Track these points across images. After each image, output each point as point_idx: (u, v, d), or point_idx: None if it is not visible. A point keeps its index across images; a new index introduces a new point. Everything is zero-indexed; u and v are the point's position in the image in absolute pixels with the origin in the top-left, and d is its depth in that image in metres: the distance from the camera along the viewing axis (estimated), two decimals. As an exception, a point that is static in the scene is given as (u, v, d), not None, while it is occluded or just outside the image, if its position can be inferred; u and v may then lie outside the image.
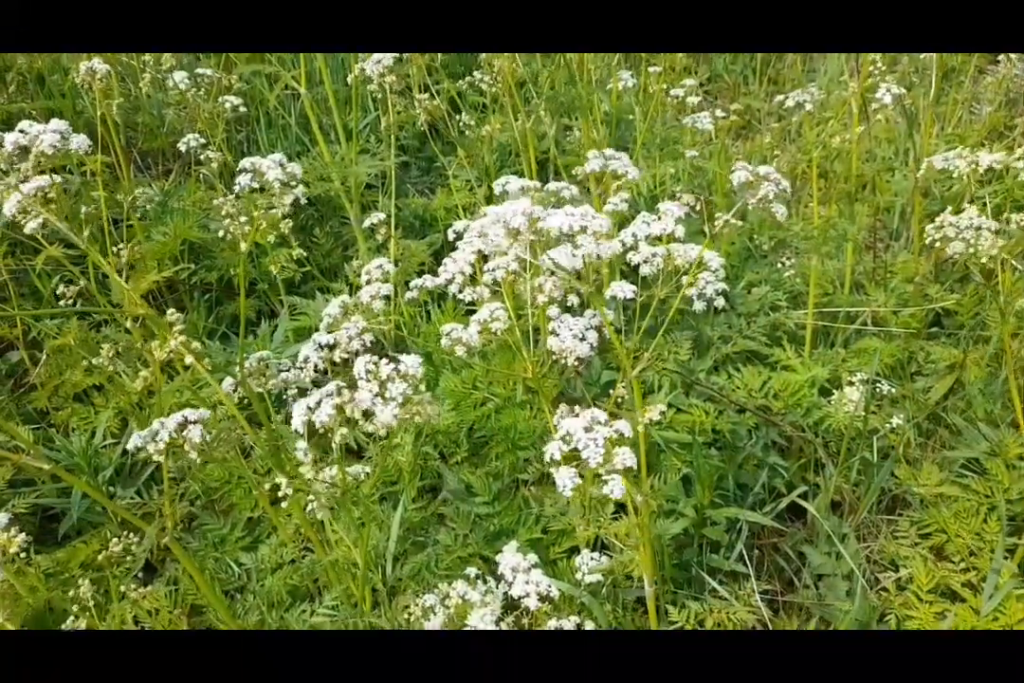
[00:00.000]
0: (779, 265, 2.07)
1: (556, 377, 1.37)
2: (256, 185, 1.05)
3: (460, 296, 1.20)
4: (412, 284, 1.23)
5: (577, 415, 0.89)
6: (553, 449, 0.87)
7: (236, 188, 1.05)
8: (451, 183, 2.14)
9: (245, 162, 1.06)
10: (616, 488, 0.85)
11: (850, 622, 1.41)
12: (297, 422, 0.86)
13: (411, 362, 0.92)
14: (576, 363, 0.98)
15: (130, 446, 0.96)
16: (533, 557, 0.94)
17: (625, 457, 0.86)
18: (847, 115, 2.07)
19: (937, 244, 1.37)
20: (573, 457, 0.86)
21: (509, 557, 0.95)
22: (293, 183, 1.07)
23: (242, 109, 1.98)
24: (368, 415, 0.85)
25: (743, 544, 1.59)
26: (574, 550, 1.46)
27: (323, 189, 1.97)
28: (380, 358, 0.91)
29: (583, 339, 1.00)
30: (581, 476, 0.85)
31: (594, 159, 1.34)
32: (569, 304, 1.07)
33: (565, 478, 0.85)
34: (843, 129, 1.78)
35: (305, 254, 1.83)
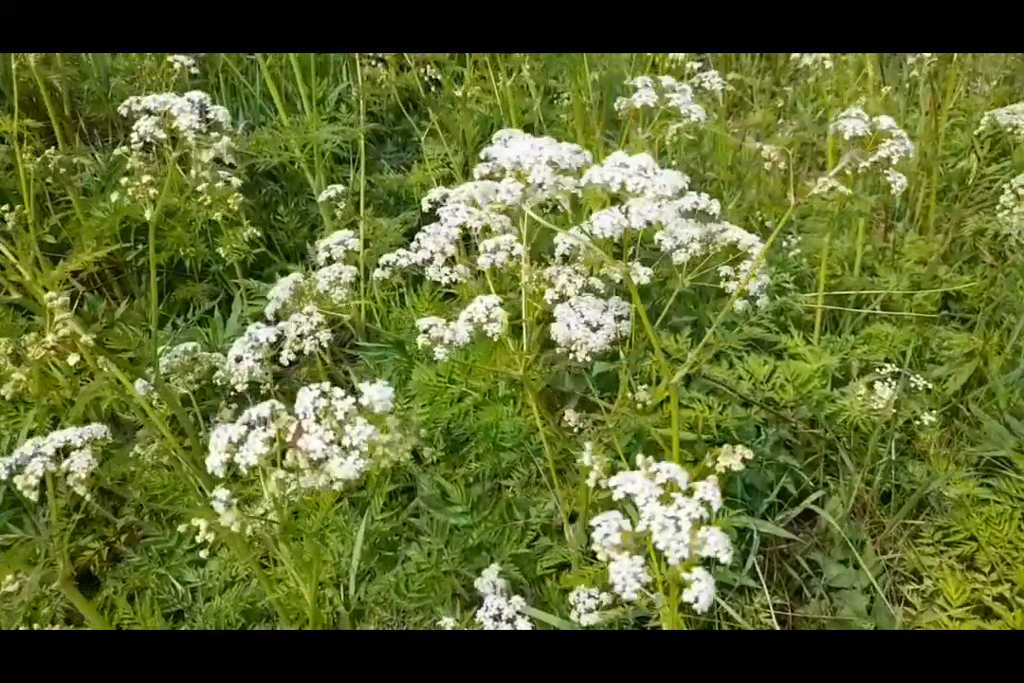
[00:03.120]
0: (784, 243, 1.91)
1: (545, 369, 1.19)
2: (162, 135, 0.85)
3: (437, 278, 1.03)
4: (383, 260, 1.04)
5: (639, 468, 0.61)
6: (610, 527, 0.60)
7: (134, 137, 0.86)
8: (424, 152, 1.95)
9: (148, 100, 0.86)
10: (703, 595, 0.59)
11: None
12: (214, 461, 0.65)
13: (378, 394, 0.68)
14: (588, 359, 0.80)
15: (-8, 480, 0.77)
16: (519, 601, 0.77)
17: (717, 545, 0.59)
18: (857, 82, 1.90)
19: (1002, 231, 1.20)
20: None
21: (491, 599, 0.78)
22: (216, 134, 0.88)
23: (194, 70, 1.77)
24: (317, 464, 0.65)
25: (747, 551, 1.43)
26: (564, 566, 1.30)
27: (285, 159, 1.78)
28: (332, 383, 0.69)
29: (596, 329, 0.81)
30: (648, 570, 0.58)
31: (644, 88, 1.10)
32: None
33: (626, 575, 0.58)
34: (862, 93, 1.61)
35: (259, 233, 1.64)
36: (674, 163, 2.03)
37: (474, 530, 1.28)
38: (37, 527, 1.39)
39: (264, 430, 0.65)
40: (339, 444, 0.65)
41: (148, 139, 0.86)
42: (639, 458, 0.63)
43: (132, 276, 1.87)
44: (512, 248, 0.95)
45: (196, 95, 0.90)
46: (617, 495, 0.62)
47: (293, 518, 0.73)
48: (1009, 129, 1.35)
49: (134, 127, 0.86)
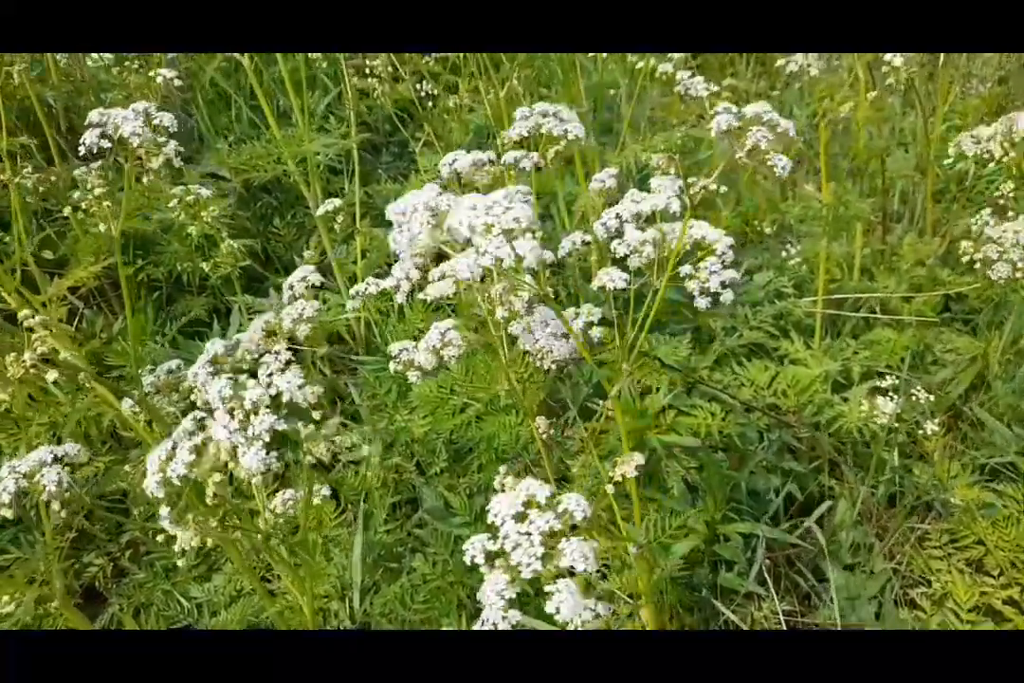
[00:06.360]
0: (783, 252, 1.90)
1: (540, 380, 1.18)
2: (106, 145, 0.85)
3: (420, 297, 1.04)
4: (353, 291, 1.06)
5: (511, 488, 0.65)
6: (475, 549, 0.64)
7: (81, 149, 0.86)
8: (418, 161, 1.95)
9: (93, 114, 0.87)
10: (564, 605, 0.61)
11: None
12: (150, 483, 0.66)
13: (287, 381, 0.70)
14: (554, 366, 0.80)
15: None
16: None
17: (575, 556, 0.62)
18: (846, 86, 1.90)
19: (976, 266, 1.23)
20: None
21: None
22: (162, 139, 0.88)
23: (177, 82, 1.77)
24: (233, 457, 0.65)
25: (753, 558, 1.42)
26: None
27: (279, 172, 1.77)
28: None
29: (563, 336, 0.81)
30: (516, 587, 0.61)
31: (521, 119, 1.07)
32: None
33: (490, 593, 0.62)
34: (852, 95, 1.61)
35: (235, 245, 1.64)
36: (671, 171, 2.02)
37: (478, 541, 1.27)
38: (35, 547, 1.38)
39: (189, 440, 0.65)
40: (243, 433, 0.65)
41: (95, 150, 0.86)
42: (507, 479, 0.66)
43: (131, 291, 1.87)
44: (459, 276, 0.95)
45: (140, 105, 0.90)
46: (489, 519, 0.65)
47: (280, 527, 0.73)
48: (978, 153, 1.37)
49: (80, 140, 0.87)
